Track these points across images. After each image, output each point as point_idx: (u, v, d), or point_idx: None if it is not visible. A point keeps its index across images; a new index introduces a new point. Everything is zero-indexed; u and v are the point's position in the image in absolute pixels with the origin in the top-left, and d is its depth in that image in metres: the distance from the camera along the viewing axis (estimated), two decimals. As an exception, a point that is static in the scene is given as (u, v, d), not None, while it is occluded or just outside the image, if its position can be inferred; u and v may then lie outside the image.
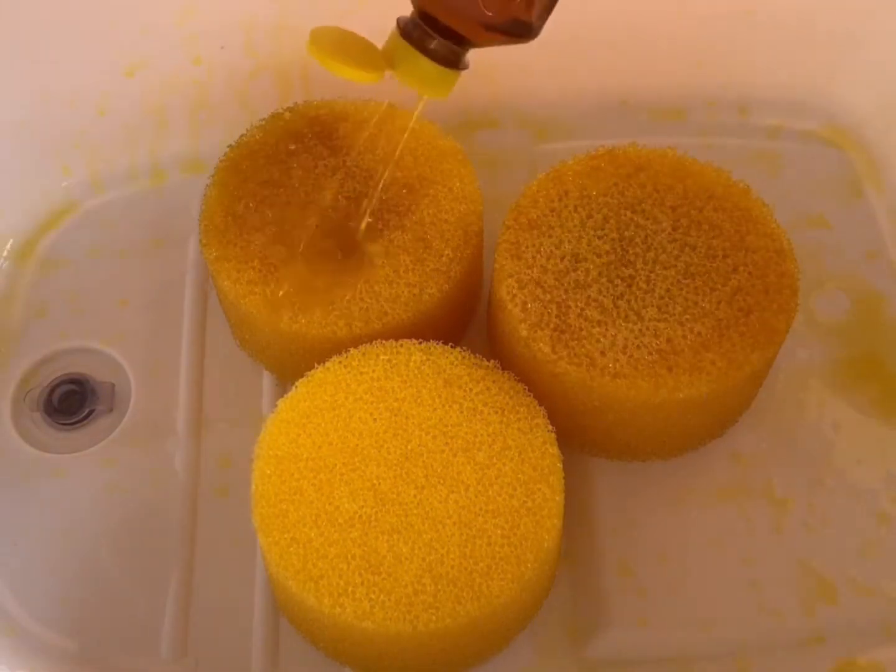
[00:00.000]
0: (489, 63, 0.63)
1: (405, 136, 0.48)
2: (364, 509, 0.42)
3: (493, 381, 0.45)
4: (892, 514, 0.50)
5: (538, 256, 0.48)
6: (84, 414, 0.53)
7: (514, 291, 0.47)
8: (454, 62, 0.41)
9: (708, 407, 0.48)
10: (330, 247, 0.49)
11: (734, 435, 0.52)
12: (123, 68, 0.59)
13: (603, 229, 0.49)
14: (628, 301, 0.47)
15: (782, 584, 0.48)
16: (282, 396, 0.46)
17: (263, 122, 0.54)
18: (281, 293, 0.47)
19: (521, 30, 0.40)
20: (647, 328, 0.47)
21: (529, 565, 0.41)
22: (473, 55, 0.62)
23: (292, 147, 0.53)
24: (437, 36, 0.40)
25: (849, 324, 0.56)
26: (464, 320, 0.55)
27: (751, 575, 0.49)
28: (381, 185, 0.50)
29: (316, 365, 0.46)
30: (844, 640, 0.47)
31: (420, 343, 0.47)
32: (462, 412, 0.44)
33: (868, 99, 0.63)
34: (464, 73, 0.63)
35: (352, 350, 0.47)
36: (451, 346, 0.47)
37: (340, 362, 0.46)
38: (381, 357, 0.46)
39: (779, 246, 0.49)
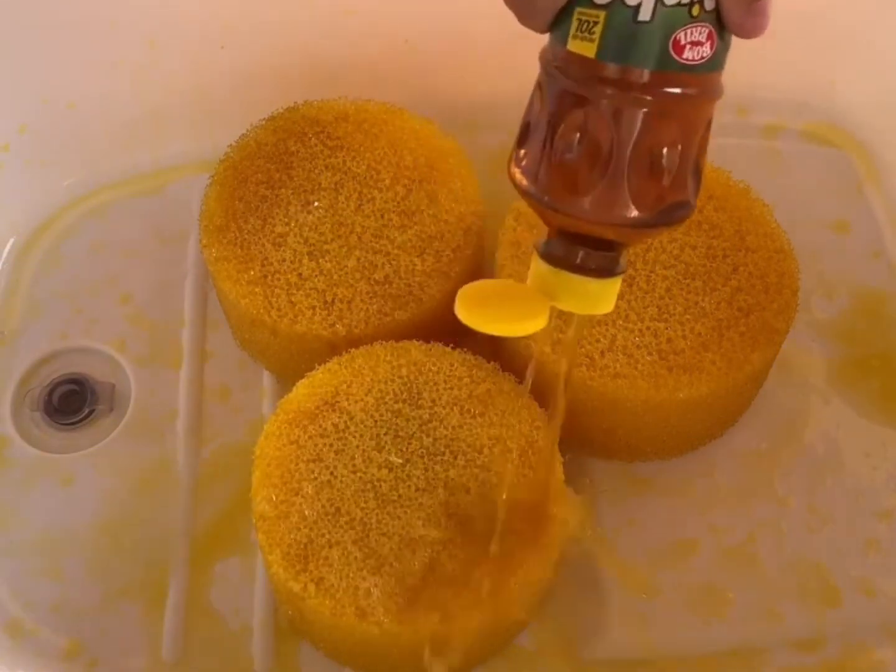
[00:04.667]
0: (489, 63, 0.63)
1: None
2: (365, 511, 0.42)
3: (494, 383, 0.45)
4: (892, 514, 0.50)
5: (538, 257, 0.48)
6: (84, 414, 0.53)
7: (515, 292, 0.47)
8: (612, 269, 0.34)
9: (708, 407, 0.48)
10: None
11: (734, 435, 0.52)
12: (124, 69, 0.59)
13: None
14: (628, 301, 0.47)
15: (783, 583, 0.48)
16: (282, 397, 0.46)
17: (263, 122, 0.54)
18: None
19: (678, 213, 0.33)
20: (647, 328, 0.47)
21: (530, 567, 0.41)
22: (467, 57, 0.62)
23: (292, 147, 0.53)
24: (584, 249, 0.34)
25: (849, 323, 0.56)
26: (464, 321, 0.55)
27: (751, 575, 0.49)
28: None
29: (316, 365, 0.46)
30: (845, 640, 0.47)
31: (420, 344, 0.47)
32: (463, 414, 0.44)
33: (868, 99, 0.63)
34: (465, 72, 0.63)
35: (352, 351, 0.47)
36: (452, 347, 0.47)
37: (341, 363, 0.46)
38: (382, 358, 0.46)
39: (779, 246, 0.49)
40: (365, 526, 0.42)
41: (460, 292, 0.34)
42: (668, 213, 0.33)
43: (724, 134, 0.63)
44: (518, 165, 0.34)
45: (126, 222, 0.60)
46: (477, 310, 0.34)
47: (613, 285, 0.35)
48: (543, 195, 0.33)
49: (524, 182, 0.33)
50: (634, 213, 0.32)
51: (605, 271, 0.34)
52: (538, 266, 0.35)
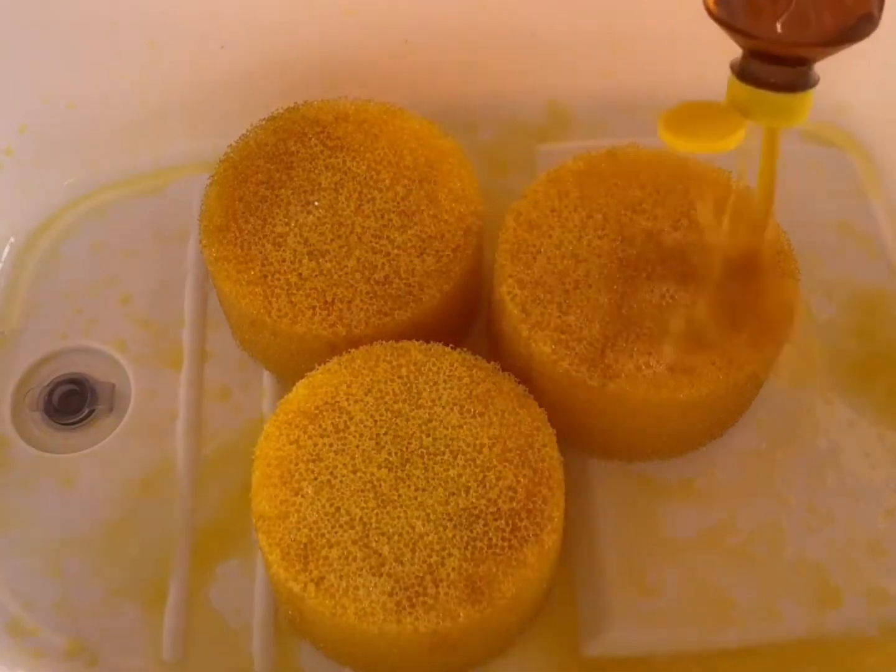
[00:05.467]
0: (489, 63, 0.63)
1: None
2: (365, 511, 0.42)
3: (494, 383, 0.45)
4: (893, 513, 0.50)
5: (538, 256, 0.48)
6: (84, 414, 0.53)
7: (515, 292, 0.47)
8: (804, 84, 0.37)
9: (708, 407, 0.48)
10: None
11: (734, 435, 0.52)
12: (124, 69, 0.59)
13: (603, 229, 0.49)
14: (628, 302, 0.47)
15: (783, 584, 0.48)
16: (282, 397, 0.46)
17: (263, 122, 0.54)
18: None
19: (864, 27, 0.35)
20: (647, 329, 0.47)
21: (530, 567, 0.41)
22: (467, 57, 0.62)
23: (292, 147, 0.53)
24: (777, 67, 0.37)
25: (849, 324, 0.56)
26: (464, 321, 0.55)
27: (751, 575, 0.49)
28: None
29: (316, 366, 0.46)
30: (845, 640, 0.47)
31: (420, 344, 0.47)
32: (462, 414, 0.44)
33: (868, 99, 0.63)
34: (464, 72, 0.63)
35: (352, 351, 0.47)
36: (452, 348, 0.47)
37: (340, 363, 0.46)
38: (382, 358, 0.46)
39: (779, 246, 0.49)
40: (365, 526, 0.42)
41: (662, 116, 0.37)
42: (853, 29, 0.35)
43: (724, 134, 0.63)
44: None
45: (126, 222, 0.60)
46: (679, 132, 0.37)
47: (806, 98, 0.37)
48: (737, 21, 0.35)
49: (716, 9, 0.36)
50: (822, 32, 0.35)
51: (797, 85, 0.37)
52: (734, 86, 0.38)
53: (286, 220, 0.51)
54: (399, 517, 0.42)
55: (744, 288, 0.47)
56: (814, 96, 0.38)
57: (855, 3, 0.35)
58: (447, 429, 0.44)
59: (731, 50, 0.66)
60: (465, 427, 0.44)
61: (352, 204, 0.51)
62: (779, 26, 0.34)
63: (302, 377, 0.46)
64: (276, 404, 0.46)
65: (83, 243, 0.60)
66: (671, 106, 0.38)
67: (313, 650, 0.47)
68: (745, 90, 0.37)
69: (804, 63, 0.37)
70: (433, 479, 0.43)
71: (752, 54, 0.37)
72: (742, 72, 0.37)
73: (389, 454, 0.43)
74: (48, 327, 0.56)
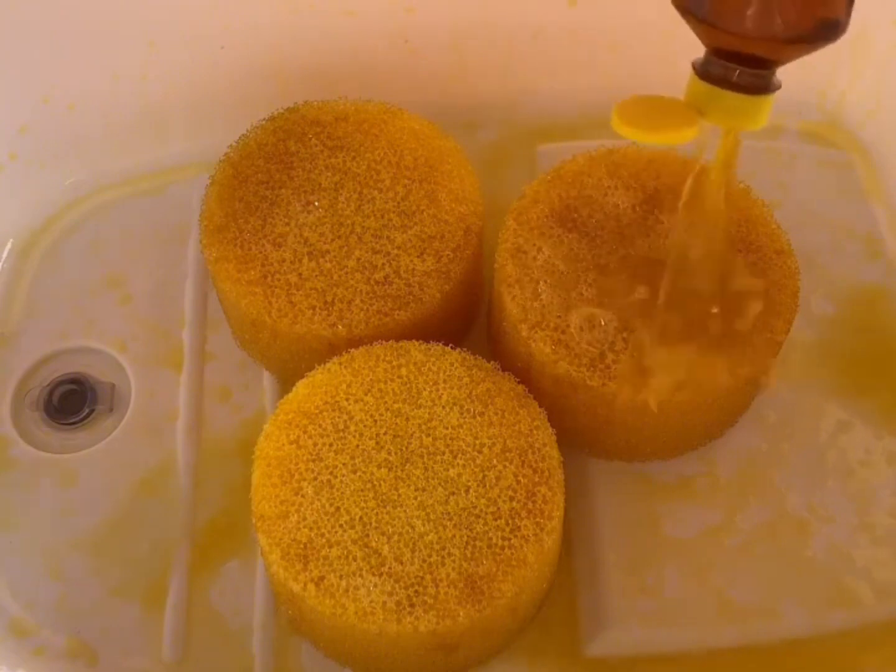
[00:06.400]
0: (489, 63, 0.63)
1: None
2: (365, 510, 0.42)
3: (494, 383, 0.45)
4: (893, 513, 0.50)
5: (538, 256, 0.48)
6: (84, 414, 0.53)
7: (514, 292, 0.47)
8: (764, 87, 0.37)
9: (708, 407, 0.48)
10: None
11: (734, 435, 0.52)
12: (124, 69, 0.59)
13: (603, 229, 0.49)
14: (628, 302, 0.47)
15: (783, 584, 0.48)
16: (282, 397, 0.46)
17: (263, 122, 0.54)
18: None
19: (829, 31, 0.35)
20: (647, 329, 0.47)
21: (530, 567, 0.41)
22: (467, 57, 0.62)
23: (292, 147, 0.53)
24: (738, 67, 0.36)
25: (848, 323, 0.56)
26: (464, 321, 0.55)
27: (751, 575, 0.49)
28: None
29: (316, 366, 0.46)
30: (845, 640, 0.47)
31: (420, 344, 0.47)
32: (462, 414, 0.44)
33: (868, 99, 0.63)
34: (465, 73, 0.63)
35: (352, 351, 0.47)
36: (452, 348, 0.47)
37: (341, 363, 0.46)
38: (382, 358, 0.46)
39: (779, 246, 0.49)
40: (365, 526, 0.42)
41: (617, 106, 0.37)
42: (819, 30, 0.35)
43: (724, 134, 0.63)
44: None
45: (126, 222, 0.60)
46: (632, 121, 0.37)
47: (766, 102, 0.38)
48: (703, 12, 0.35)
49: (685, 2, 0.36)
50: (787, 29, 0.35)
51: (757, 88, 0.37)
52: (695, 83, 0.38)
53: (286, 220, 0.51)
54: (399, 517, 0.42)
55: (743, 287, 0.47)
56: (772, 103, 0.38)
57: (822, 5, 0.35)
58: (447, 428, 0.44)
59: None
60: (465, 427, 0.44)
61: (352, 204, 0.51)
62: (743, 20, 0.34)
63: (302, 377, 0.46)
64: (276, 404, 0.46)
65: (83, 243, 0.60)
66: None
67: (313, 650, 0.47)
68: (705, 89, 0.37)
69: (766, 66, 0.37)
70: (433, 478, 0.43)
71: (714, 52, 0.37)
72: (703, 70, 0.37)
73: (389, 454, 0.43)
74: (48, 327, 0.56)
